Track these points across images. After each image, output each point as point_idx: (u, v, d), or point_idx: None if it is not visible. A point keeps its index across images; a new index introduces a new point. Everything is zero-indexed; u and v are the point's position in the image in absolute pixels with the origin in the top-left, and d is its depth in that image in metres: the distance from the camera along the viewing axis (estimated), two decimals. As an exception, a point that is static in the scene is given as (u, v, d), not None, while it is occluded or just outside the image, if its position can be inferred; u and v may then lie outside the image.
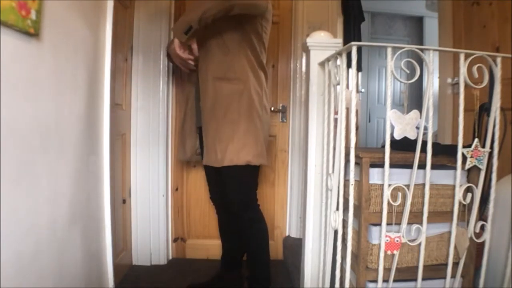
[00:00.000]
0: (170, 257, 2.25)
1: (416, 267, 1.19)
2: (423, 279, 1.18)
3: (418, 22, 4.85)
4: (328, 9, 2.20)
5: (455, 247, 1.20)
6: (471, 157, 1.16)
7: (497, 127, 1.16)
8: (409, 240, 1.16)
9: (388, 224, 1.14)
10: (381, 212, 1.14)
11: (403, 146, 1.25)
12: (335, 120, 1.28)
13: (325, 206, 1.37)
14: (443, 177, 1.28)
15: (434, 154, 1.13)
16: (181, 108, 1.91)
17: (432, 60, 1.10)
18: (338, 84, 1.21)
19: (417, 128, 1.11)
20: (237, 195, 1.62)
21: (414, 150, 1.13)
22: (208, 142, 1.58)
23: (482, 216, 1.24)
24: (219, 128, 1.55)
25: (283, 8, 2.24)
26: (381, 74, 4.86)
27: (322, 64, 1.40)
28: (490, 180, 1.18)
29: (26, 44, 0.96)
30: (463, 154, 1.15)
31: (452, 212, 1.17)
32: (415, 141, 1.12)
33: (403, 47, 1.09)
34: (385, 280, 1.19)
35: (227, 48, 1.57)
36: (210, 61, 1.58)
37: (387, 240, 1.14)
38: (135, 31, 2.05)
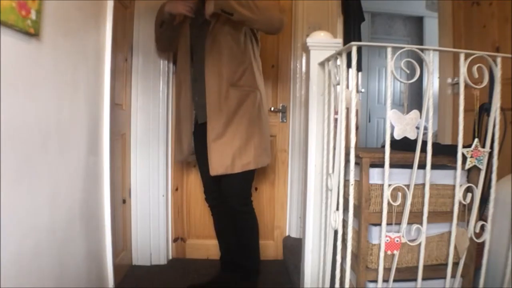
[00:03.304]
0: (170, 257, 2.25)
1: (416, 267, 1.19)
2: (423, 279, 1.18)
3: (418, 22, 4.85)
4: (328, 9, 2.20)
5: (455, 247, 1.20)
6: (471, 157, 1.16)
7: (497, 127, 1.16)
8: (409, 240, 1.16)
9: (388, 224, 1.13)
10: (381, 212, 1.14)
11: (403, 146, 1.25)
12: (335, 120, 1.28)
13: (325, 206, 1.37)
14: (443, 177, 1.28)
15: (434, 154, 1.13)
16: (176, 104, 1.87)
17: (432, 60, 1.10)
18: (338, 84, 1.21)
19: (417, 128, 1.11)
20: (240, 191, 1.70)
21: (414, 150, 1.13)
22: (222, 149, 1.58)
23: (482, 216, 1.24)
24: (235, 135, 1.58)
25: (283, 8, 2.24)
26: (381, 74, 4.86)
27: (322, 64, 1.40)
28: (490, 180, 1.18)
29: (26, 44, 0.96)
30: (463, 154, 1.15)
31: (452, 212, 1.17)
32: (415, 141, 1.12)
33: (403, 47, 1.09)
34: (385, 280, 1.19)
35: (243, 56, 1.63)
36: (224, 66, 1.60)
37: (387, 240, 1.14)
38: (135, 31, 2.05)
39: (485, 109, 1.21)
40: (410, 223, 1.16)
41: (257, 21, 1.54)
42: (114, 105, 1.67)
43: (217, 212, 1.87)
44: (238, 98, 1.61)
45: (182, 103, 1.74)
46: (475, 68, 1.12)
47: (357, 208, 1.25)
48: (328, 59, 1.31)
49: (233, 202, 1.69)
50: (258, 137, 1.64)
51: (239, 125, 1.60)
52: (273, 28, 1.60)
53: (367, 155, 1.22)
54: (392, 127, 1.09)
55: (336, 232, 1.26)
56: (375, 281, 1.18)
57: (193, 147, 1.79)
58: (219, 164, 1.58)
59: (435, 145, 1.14)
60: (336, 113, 1.28)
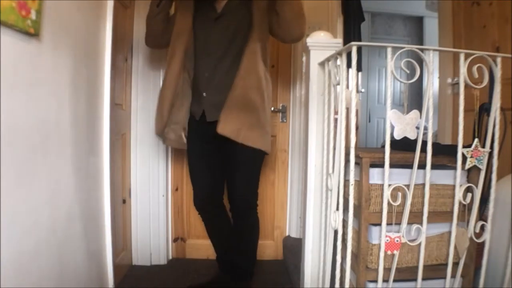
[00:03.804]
0: (170, 257, 2.25)
1: (416, 267, 1.19)
2: (423, 279, 1.18)
3: (418, 22, 4.85)
4: (328, 9, 2.20)
5: (455, 247, 1.20)
6: (471, 157, 1.16)
7: (497, 127, 1.16)
8: (409, 240, 1.16)
9: (388, 224, 1.14)
10: (381, 212, 1.14)
11: (403, 146, 1.25)
12: (335, 120, 1.28)
13: (325, 206, 1.37)
14: (443, 177, 1.28)
15: (434, 154, 1.13)
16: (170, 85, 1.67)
17: (432, 60, 1.10)
18: (338, 84, 1.21)
19: (417, 128, 1.11)
20: (250, 194, 1.67)
21: (414, 150, 1.13)
22: (235, 120, 1.53)
23: (482, 216, 1.24)
24: (248, 115, 1.54)
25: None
26: (381, 74, 4.86)
27: (322, 64, 1.40)
28: (490, 180, 1.18)
29: (26, 44, 0.96)
30: (463, 154, 1.15)
31: (452, 212, 1.17)
32: (415, 141, 1.12)
33: (403, 47, 1.10)
34: (385, 280, 1.19)
35: (265, 49, 1.62)
36: (257, 61, 1.56)
37: (387, 240, 1.14)
38: (135, 31, 2.04)
39: (485, 109, 1.21)
40: (410, 223, 1.16)
41: (292, 18, 1.48)
42: (114, 105, 1.67)
43: (210, 217, 1.82)
44: (260, 89, 1.57)
45: (184, 91, 1.64)
46: (475, 68, 1.12)
47: (357, 208, 1.25)
48: (328, 59, 1.31)
49: (241, 204, 1.67)
50: (265, 126, 1.60)
51: (253, 110, 1.56)
52: (294, 36, 1.55)
53: (367, 155, 1.22)
54: (392, 127, 1.09)
55: (336, 232, 1.26)
56: (375, 281, 1.18)
57: (183, 137, 1.69)
58: (228, 126, 1.51)
59: (435, 145, 1.14)
60: (336, 113, 1.28)
